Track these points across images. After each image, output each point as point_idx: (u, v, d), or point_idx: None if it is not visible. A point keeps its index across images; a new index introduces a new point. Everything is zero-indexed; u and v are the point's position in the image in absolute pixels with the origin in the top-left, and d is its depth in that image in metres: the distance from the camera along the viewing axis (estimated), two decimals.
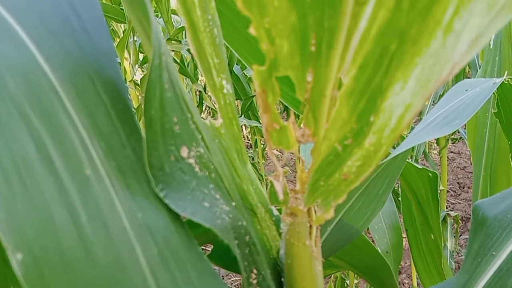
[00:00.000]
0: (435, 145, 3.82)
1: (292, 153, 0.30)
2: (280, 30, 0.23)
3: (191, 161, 0.29)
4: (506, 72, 0.70)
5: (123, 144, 0.26)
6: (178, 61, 2.43)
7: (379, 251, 0.91)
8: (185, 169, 0.28)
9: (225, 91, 0.36)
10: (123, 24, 2.53)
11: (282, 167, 0.34)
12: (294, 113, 0.32)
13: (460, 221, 2.31)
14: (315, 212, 0.33)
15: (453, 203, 3.36)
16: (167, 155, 0.27)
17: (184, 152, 0.28)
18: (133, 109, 0.29)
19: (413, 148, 2.03)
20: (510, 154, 0.63)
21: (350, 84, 0.24)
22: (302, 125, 0.30)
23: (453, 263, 1.80)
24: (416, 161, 2.05)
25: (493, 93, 0.65)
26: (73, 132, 0.24)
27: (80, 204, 0.22)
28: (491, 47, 0.81)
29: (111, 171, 0.25)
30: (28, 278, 0.19)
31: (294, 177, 2.51)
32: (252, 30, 0.23)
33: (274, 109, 0.29)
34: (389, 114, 0.24)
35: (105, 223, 0.22)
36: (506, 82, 0.58)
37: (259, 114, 0.34)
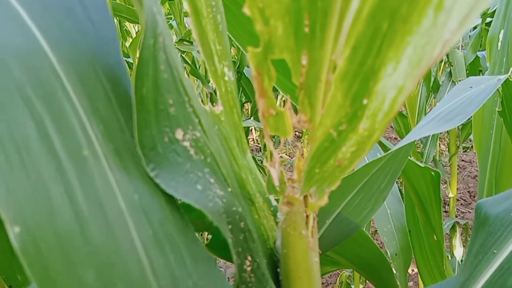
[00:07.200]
0: (446, 152, 3.78)
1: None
2: (274, 10, 0.23)
3: (186, 144, 0.29)
4: (511, 68, 0.69)
5: (121, 128, 0.27)
6: (190, 62, 2.44)
7: (388, 253, 0.90)
8: (179, 151, 0.28)
9: (226, 78, 0.36)
10: (136, 25, 2.55)
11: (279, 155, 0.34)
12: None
13: (469, 229, 2.28)
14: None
15: (463, 212, 3.32)
16: (160, 136, 0.27)
17: (179, 134, 0.28)
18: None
19: (422, 154, 2.01)
20: None
21: (344, 66, 0.24)
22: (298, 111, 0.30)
23: None
24: None
25: (499, 93, 0.65)
26: (73, 115, 0.24)
27: (76, 183, 0.22)
28: (499, 48, 0.80)
29: (109, 153, 0.25)
30: (25, 251, 0.19)
31: None
32: (246, 10, 0.23)
33: (270, 94, 0.29)
34: (382, 97, 0.23)
35: (101, 202, 0.23)
36: (511, 79, 0.57)
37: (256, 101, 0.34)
